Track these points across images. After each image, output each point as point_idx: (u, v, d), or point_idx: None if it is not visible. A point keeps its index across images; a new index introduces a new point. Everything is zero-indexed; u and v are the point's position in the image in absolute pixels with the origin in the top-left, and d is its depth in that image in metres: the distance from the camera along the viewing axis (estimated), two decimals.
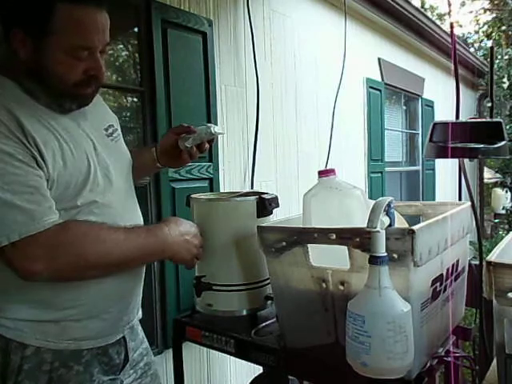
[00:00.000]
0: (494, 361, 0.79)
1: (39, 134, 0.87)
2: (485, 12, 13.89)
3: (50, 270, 0.84)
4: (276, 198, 1.09)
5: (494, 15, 13.46)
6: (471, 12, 14.20)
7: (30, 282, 0.86)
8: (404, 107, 4.92)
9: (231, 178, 2.22)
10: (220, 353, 1.05)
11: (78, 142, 0.94)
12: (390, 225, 0.75)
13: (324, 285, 0.83)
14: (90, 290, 0.96)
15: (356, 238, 0.76)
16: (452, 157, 0.99)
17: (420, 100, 5.03)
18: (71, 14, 0.84)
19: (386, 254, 0.70)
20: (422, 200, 4.95)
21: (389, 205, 0.75)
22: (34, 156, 0.85)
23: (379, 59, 3.92)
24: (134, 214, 1.09)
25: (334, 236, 0.79)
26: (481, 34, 14.08)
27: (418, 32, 4.37)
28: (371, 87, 3.73)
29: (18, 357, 0.92)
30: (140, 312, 1.16)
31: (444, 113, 5.28)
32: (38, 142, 0.86)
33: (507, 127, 8.93)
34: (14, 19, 0.86)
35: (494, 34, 13.04)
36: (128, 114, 2.02)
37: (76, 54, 0.87)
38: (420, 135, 5.14)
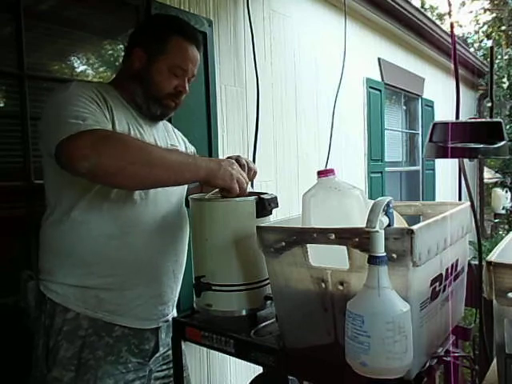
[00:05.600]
0: (494, 361, 0.79)
1: (117, 112, 1.11)
2: (485, 12, 13.89)
3: (94, 157, 0.93)
4: (275, 198, 1.09)
5: (494, 15, 13.46)
6: (471, 12, 14.21)
7: (78, 174, 0.98)
8: (404, 107, 4.92)
9: None
10: (220, 353, 1.05)
11: (143, 136, 1.17)
12: (389, 225, 0.75)
13: (323, 285, 0.83)
14: (126, 261, 1.11)
15: (355, 238, 0.76)
16: (452, 157, 0.99)
17: (420, 100, 5.03)
18: (181, 43, 1.18)
19: (385, 253, 0.70)
20: (422, 200, 4.95)
21: (388, 205, 0.75)
22: (106, 117, 1.06)
23: (379, 59, 3.92)
24: (176, 210, 1.23)
25: (333, 236, 0.79)
26: (481, 34, 14.08)
27: (418, 32, 4.37)
28: (371, 87, 3.73)
29: (61, 319, 1.08)
30: (175, 311, 1.29)
31: (444, 113, 5.28)
32: (114, 113, 1.10)
33: (507, 127, 8.94)
34: (140, 41, 1.20)
35: (493, 34, 13.04)
36: None
37: (174, 70, 1.17)
38: (420, 135, 5.14)
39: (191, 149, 1.44)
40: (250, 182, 1.15)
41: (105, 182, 1.03)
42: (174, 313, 1.28)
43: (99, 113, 1.05)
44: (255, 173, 1.23)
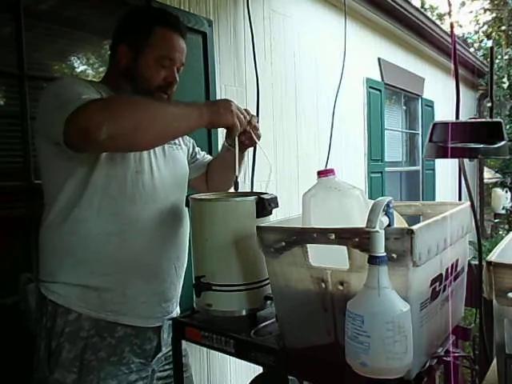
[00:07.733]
0: (494, 361, 0.79)
1: None
2: (485, 12, 13.90)
3: (110, 121, 0.92)
4: (275, 198, 1.09)
5: (494, 15, 13.47)
6: (471, 12, 14.22)
7: (96, 145, 0.95)
8: (404, 107, 4.92)
9: None
10: (220, 353, 1.05)
11: None
12: (389, 225, 0.75)
13: (323, 285, 0.83)
14: (126, 259, 1.11)
15: (355, 238, 0.76)
16: (452, 157, 0.99)
17: (420, 100, 5.04)
18: (164, 34, 1.16)
19: (385, 253, 0.70)
20: (422, 200, 4.95)
21: (388, 205, 0.75)
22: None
23: (379, 59, 3.92)
24: (175, 207, 1.22)
25: (333, 236, 0.79)
26: (481, 34, 14.09)
27: (418, 32, 4.37)
28: (371, 87, 3.73)
29: (63, 321, 1.07)
30: (178, 308, 1.29)
31: (444, 113, 5.29)
32: None
33: (507, 127, 8.94)
34: (122, 38, 1.18)
35: (493, 33, 13.05)
36: None
37: (162, 62, 1.16)
38: (420, 135, 5.14)
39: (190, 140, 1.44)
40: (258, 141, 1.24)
41: (126, 142, 0.99)
42: (178, 310, 1.28)
43: (96, 94, 1.06)
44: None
